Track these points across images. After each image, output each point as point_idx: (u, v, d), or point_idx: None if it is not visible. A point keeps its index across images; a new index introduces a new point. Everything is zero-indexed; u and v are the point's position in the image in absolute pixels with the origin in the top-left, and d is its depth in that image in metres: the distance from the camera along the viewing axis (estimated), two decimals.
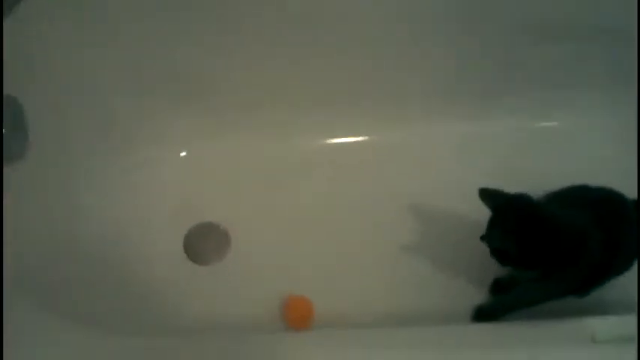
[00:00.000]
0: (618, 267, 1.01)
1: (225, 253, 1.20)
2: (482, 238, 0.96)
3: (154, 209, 1.22)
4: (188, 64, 1.21)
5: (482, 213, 1.14)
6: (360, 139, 1.31)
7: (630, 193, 1.06)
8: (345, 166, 1.28)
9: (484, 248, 0.96)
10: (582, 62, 1.22)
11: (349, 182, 1.26)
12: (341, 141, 1.31)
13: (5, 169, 0.90)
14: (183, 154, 1.30)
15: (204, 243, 1.22)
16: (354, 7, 1.15)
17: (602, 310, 1.01)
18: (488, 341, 0.87)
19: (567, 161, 1.24)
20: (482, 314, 1.07)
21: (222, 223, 1.23)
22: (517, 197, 0.96)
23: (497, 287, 1.12)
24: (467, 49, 1.20)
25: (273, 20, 1.15)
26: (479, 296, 1.11)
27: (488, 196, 0.97)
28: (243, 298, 1.12)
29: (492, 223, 0.96)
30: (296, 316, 1.10)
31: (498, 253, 0.96)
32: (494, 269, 1.02)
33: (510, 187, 1.15)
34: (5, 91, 0.92)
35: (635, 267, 1.01)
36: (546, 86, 1.26)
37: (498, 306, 1.07)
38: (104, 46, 1.14)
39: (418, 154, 1.29)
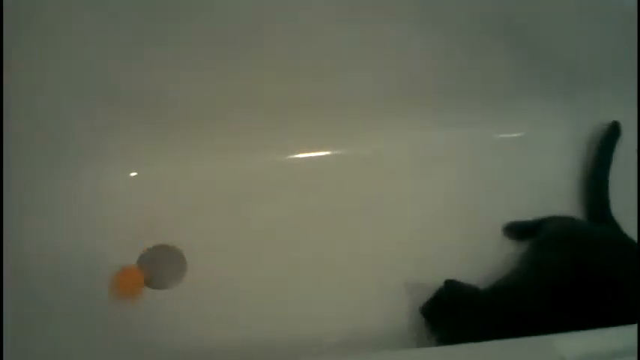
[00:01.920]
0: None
1: (182, 277, 1.15)
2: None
3: (102, 233, 1.15)
4: (132, 79, 1.15)
5: (449, 224, 1.16)
6: (318, 154, 1.28)
7: None
8: (306, 182, 1.25)
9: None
10: (533, 70, 1.24)
11: (311, 199, 1.23)
12: (301, 157, 1.28)
13: None
14: (133, 174, 1.23)
15: (159, 267, 1.16)
16: (308, 17, 1.13)
17: None
18: None
19: (528, 172, 1.26)
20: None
21: (177, 244, 1.17)
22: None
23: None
24: (424, 49, 1.19)
25: (222, 30, 1.11)
26: None
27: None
28: (205, 321, 1.07)
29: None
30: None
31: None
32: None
33: (473, 197, 1.19)
34: None
35: None
36: (501, 96, 1.27)
37: None
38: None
39: (381, 166, 1.27)
